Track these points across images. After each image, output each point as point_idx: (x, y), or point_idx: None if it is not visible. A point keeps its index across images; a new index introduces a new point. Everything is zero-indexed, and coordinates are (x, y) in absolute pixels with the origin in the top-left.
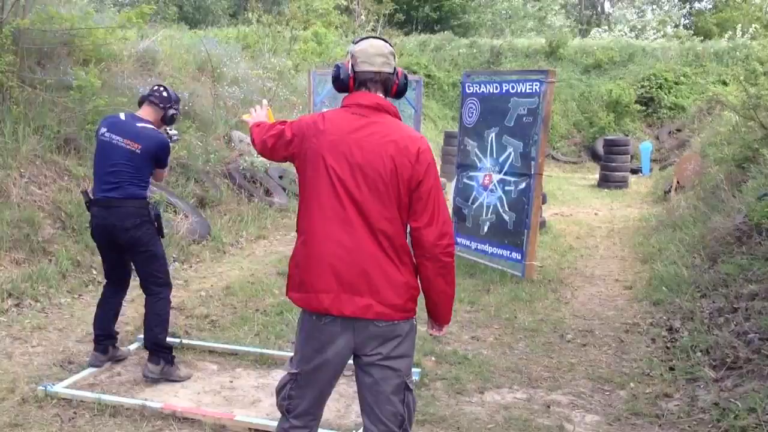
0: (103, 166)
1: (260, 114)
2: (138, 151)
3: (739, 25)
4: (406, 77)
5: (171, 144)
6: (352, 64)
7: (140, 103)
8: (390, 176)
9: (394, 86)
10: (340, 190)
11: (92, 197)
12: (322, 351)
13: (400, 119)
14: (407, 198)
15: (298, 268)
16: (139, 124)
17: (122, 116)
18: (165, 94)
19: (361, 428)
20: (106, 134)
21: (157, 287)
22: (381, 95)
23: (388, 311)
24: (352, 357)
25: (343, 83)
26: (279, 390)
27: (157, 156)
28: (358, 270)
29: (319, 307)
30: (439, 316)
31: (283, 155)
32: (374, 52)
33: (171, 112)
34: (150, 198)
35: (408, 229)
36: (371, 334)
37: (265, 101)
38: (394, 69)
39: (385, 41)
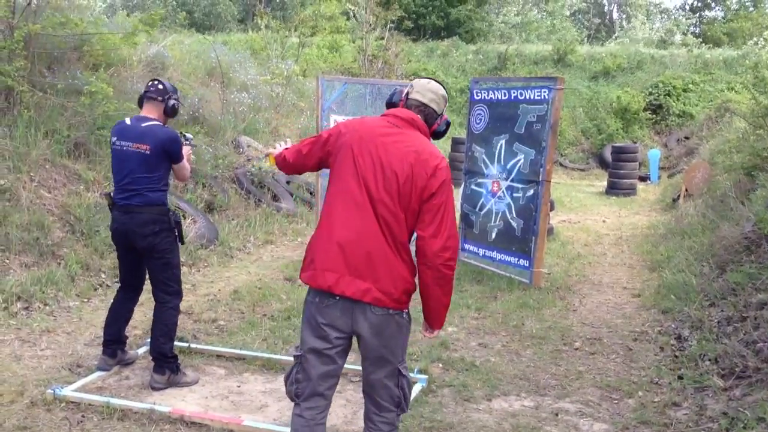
0: (119, 175)
1: (284, 147)
2: (147, 152)
3: (754, 37)
4: (448, 124)
5: (188, 146)
6: (407, 92)
7: (140, 103)
8: (405, 181)
9: (434, 125)
10: (360, 180)
11: (114, 201)
12: (323, 333)
13: (429, 140)
14: (417, 205)
15: (312, 248)
16: (144, 124)
17: (128, 121)
18: (161, 86)
19: None
20: (117, 142)
21: (167, 296)
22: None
23: (384, 298)
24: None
25: (394, 104)
26: (287, 378)
27: (166, 151)
28: (363, 252)
29: (323, 284)
30: (432, 321)
31: (318, 157)
32: (429, 88)
33: (171, 102)
34: (170, 204)
35: (414, 237)
36: (367, 321)
37: (288, 139)
38: (441, 112)
39: (444, 88)
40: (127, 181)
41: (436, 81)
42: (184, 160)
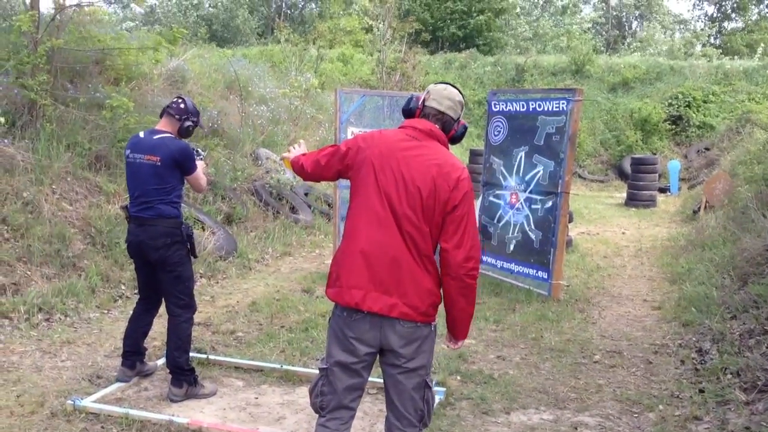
0: (133, 187)
1: (299, 150)
2: (158, 164)
3: (763, 44)
4: (465, 128)
5: (201, 161)
6: (424, 99)
7: (161, 115)
8: (428, 195)
9: (452, 131)
10: (383, 196)
11: (129, 213)
12: (351, 346)
13: (448, 149)
14: (440, 218)
15: (337, 265)
16: (156, 137)
17: (141, 134)
18: (182, 105)
19: None
20: (131, 155)
21: (179, 309)
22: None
23: (411, 312)
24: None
25: (411, 111)
26: (312, 389)
27: (177, 162)
28: (389, 267)
29: (350, 301)
30: (457, 331)
31: (336, 169)
32: (446, 95)
33: (187, 124)
34: (183, 217)
35: (438, 248)
36: (397, 333)
37: (302, 141)
38: (458, 117)
39: (460, 92)
40: (139, 193)
41: (452, 86)
42: (198, 171)
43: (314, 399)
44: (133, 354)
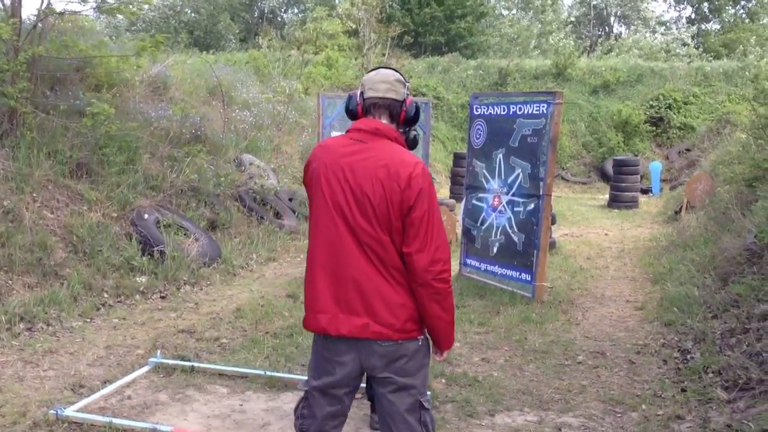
0: None
1: None
2: None
3: (742, 46)
4: (417, 106)
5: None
6: (361, 92)
7: None
8: (379, 201)
9: (401, 113)
10: (333, 211)
11: None
12: (330, 369)
13: (402, 144)
14: (399, 222)
15: (305, 290)
16: None
17: None
18: None
19: None
20: None
21: None
22: (385, 121)
23: (386, 331)
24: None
25: (353, 111)
26: (295, 409)
27: None
28: (351, 286)
29: (317, 327)
30: (439, 342)
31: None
32: (379, 79)
33: None
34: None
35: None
36: (376, 354)
37: None
38: (403, 97)
39: (395, 71)
40: None
41: (385, 67)
42: None
43: (296, 421)
44: None
